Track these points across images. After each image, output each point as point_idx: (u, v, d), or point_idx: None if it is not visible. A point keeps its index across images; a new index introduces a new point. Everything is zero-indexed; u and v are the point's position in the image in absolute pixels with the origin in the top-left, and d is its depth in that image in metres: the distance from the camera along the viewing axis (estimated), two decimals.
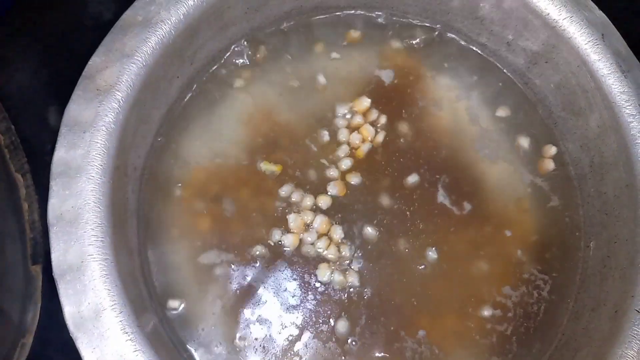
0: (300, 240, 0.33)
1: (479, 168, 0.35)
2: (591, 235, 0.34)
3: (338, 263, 0.32)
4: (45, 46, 0.46)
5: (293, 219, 0.33)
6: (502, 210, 0.35)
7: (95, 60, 0.29)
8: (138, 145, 0.32)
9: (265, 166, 0.34)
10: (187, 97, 0.35)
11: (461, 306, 0.33)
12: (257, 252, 0.32)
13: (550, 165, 0.36)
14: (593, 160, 0.34)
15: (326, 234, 0.33)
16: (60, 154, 0.27)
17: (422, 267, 0.33)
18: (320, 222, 0.33)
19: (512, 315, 0.33)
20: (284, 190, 0.33)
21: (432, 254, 0.33)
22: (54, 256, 0.26)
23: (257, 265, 0.33)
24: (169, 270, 0.32)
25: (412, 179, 0.34)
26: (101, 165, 0.27)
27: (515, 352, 0.33)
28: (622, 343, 0.28)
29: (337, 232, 0.33)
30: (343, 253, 0.33)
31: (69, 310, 0.25)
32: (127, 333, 0.26)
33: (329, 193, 0.34)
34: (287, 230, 0.33)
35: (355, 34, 0.37)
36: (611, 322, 0.29)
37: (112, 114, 0.28)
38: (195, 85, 0.35)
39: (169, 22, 0.30)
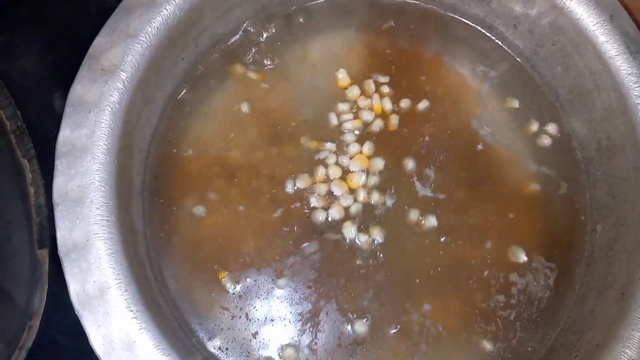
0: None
1: (486, 151, 0.35)
2: (598, 218, 0.34)
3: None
4: (50, 32, 0.46)
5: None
6: (508, 193, 0.34)
7: (99, 41, 0.29)
8: (143, 127, 0.32)
9: (305, 142, 0.34)
10: (192, 80, 0.35)
11: (466, 290, 0.33)
12: (277, 214, 0.32)
13: (546, 140, 0.35)
14: (600, 143, 0.34)
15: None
16: (66, 134, 0.27)
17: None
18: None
19: (517, 300, 0.33)
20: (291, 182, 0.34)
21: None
22: (59, 235, 0.26)
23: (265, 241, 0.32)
24: (174, 252, 0.32)
25: (409, 164, 0.34)
26: (106, 145, 0.27)
27: (521, 335, 0.32)
28: (629, 325, 0.28)
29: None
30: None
31: (74, 289, 0.25)
32: (132, 311, 0.26)
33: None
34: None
35: (358, 18, 0.37)
36: (618, 305, 0.29)
37: (117, 94, 0.28)
38: (200, 68, 0.35)
39: (173, 3, 0.30)
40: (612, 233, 0.32)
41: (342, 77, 0.36)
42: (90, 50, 0.28)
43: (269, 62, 0.36)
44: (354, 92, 0.35)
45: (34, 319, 0.39)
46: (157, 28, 0.29)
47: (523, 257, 0.33)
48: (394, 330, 0.31)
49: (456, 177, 0.34)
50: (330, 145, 0.34)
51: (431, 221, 0.33)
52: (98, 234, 0.26)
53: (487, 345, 0.32)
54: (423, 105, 0.36)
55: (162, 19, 0.29)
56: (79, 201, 0.26)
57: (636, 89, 0.31)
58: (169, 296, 0.32)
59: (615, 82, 0.32)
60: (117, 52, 0.28)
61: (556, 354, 0.32)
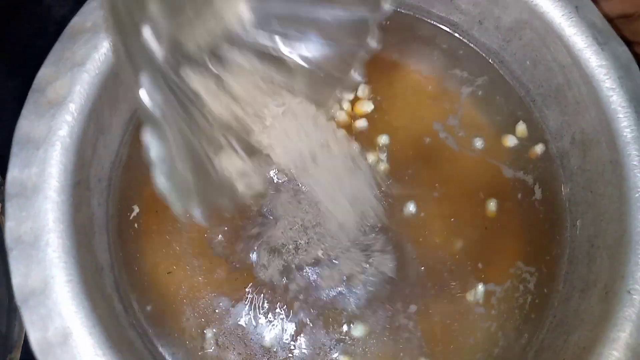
0: None
1: (454, 151, 0.34)
2: (577, 214, 0.33)
3: None
4: (11, 56, 0.44)
5: None
6: (481, 189, 0.34)
7: (44, 72, 0.27)
8: (100, 156, 0.30)
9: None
10: None
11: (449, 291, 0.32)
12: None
13: (519, 136, 0.35)
14: (574, 137, 0.33)
15: None
16: (14, 174, 0.26)
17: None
18: None
19: (503, 297, 0.32)
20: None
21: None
22: (15, 281, 0.25)
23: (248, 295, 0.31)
24: (147, 278, 0.31)
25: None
26: (59, 183, 0.26)
27: (507, 335, 0.32)
28: (614, 326, 0.27)
29: None
30: None
31: (34, 337, 0.24)
32: (98, 355, 0.25)
33: None
34: None
35: None
36: (602, 304, 0.29)
37: (67, 128, 0.27)
38: None
39: None
40: (592, 229, 0.32)
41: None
42: (34, 82, 0.27)
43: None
44: None
45: (15, 352, 0.38)
46: (105, 54, 0.28)
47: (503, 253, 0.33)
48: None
49: (422, 178, 0.33)
50: None
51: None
52: (56, 277, 0.25)
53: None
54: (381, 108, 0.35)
55: (110, 44, 0.28)
56: (33, 244, 0.25)
57: (606, 80, 0.30)
58: (141, 328, 0.31)
59: (586, 75, 0.31)
60: (64, 83, 0.27)
61: (544, 356, 0.31)
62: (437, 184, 0.34)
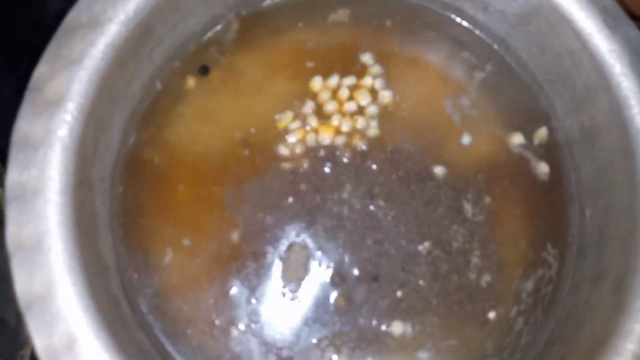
0: None
1: (463, 139, 0.34)
2: (586, 202, 0.33)
3: None
4: (8, 51, 0.44)
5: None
6: (487, 180, 0.33)
7: (40, 71, 0.26)
8: (102, 155, 0.30)
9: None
10: (152, 97, 0.33)
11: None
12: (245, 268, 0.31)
13: (526, 124, 0.34)
14: (583, 125, 0.32)
15: None
16: (13, 177, 0.25)
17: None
18: None
19: (512, 291, 0.32)
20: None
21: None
22: (18, 288, 0.24)
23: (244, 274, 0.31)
24: (155, 277, 0.31)
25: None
26: (60, 184, 0.26)
27: (515, 325, 0.31)
28: (628, 318, 0.27)
29: None
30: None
31: (40, 344, 0.24)
32: (105, 359, 0.24)
33: None
34: None
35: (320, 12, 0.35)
36: (614, 296, 0.28)
37: (66, 127, 0.26)
38: (158, 83, 0.33)
39: (118, 21, 0.28)
40: (602, 218, 0.31)
41: (317, 83, 0.34)
42: (31, 81, 0.26)
43: (231, 69, 0.34)
44: (326, 95, 0.34)
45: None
46: (103, 50, 0.27)
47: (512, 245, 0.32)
48: None
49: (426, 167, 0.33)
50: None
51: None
52: (60, 282, 0.24)
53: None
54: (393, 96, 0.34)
55: (107, 39, 0.27)
56: (36, 249, 0.25)
57: (617, 65, 0.30)
58: (149, 329, 0.30)
59: (595, 60, 0.30)
60: (61, 81, 0.26)
61: (555, 348, 0.31)
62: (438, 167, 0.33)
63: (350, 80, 0.34)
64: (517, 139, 0.34)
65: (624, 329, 0.27)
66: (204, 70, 0.33)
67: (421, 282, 0.31)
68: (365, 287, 0.31)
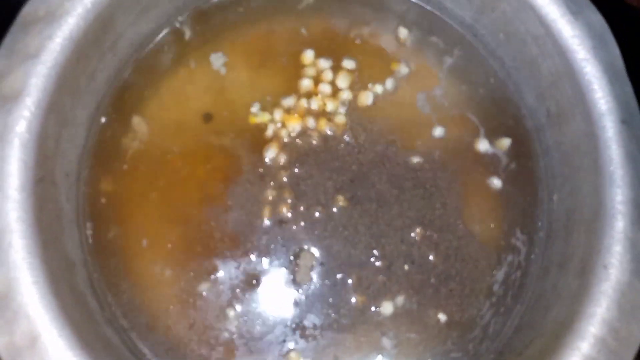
0: None
1: (431, 128, 0.34)
2: (554, 188, 0.33)
3: None
4: None
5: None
6: (457, 168, 0.33)
7: None
8: (65, 150, 0.29)
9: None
10: (117, 90, 0.33)
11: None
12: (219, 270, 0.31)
13: (494, 110, 0.34)
14: (549, 110, 0.33)
15: None
16: None
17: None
18: None
19: (484, 275, 0.32)
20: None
21: None
22: None
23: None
24: (124, 272, 0.31)
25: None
26: (19, 180, 0.25)
27: (485, 312, 0.32)
28: (591, 301, 0.27)
29: None
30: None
31: (1, 342, 0.24)
32: (68, 356, 0.24)
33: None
34: None
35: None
36: (579, 279, 0.28)
37: (24, 123, 0.26)
38: (123, 77, 0.33)
39: (75, 14, 0.27)
40: (569, 203, 0.31)
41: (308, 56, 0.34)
42: None
43: (199, 60, 0.34)
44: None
45: None
46: (61, 44, 0.27)
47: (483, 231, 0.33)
48: None
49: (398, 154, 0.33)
50: None
51: None
52: (20, 279, 0.24)
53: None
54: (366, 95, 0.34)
55: (65, 33, 0.27)
56: None
57: (580, 51, 0.30)
58: (118, 324, 0.30)
59: (559, 46, 0.30)
60: (18, 76, 0.26)
61: (523, 333, 0.31)
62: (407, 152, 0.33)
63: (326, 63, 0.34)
64: (484, 125, 0.34)
65: (587, 312, 0.27)
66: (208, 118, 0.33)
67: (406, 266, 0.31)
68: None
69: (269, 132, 0.33)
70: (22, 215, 0.25)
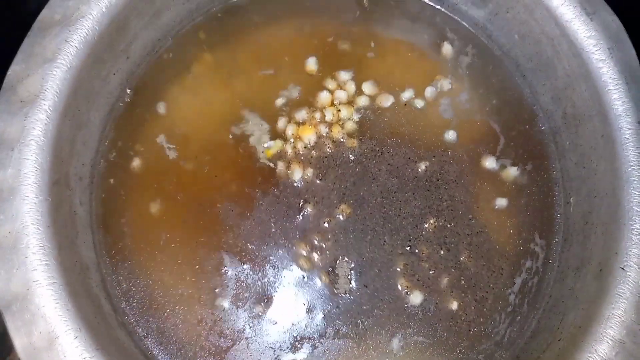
0: None
1: (446, 130, 0.33)
2: (570, 190, 0.33)
3: None
4: None
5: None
6: (472, 168, 0.33)
7: (14, 69, 0.26)
8: (79, 153, 0.30)
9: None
10: (130, 93, 0.33)
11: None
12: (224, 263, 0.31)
13: (510, 112, 0.34)
14: (565, 112, 0.32)
15: None
16: None
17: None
18: None
19: (500, 281, 0.32)
20: None
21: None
22: None
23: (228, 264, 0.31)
24: (136, 276, 0.31)
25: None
26: (36, 183, 0.25)
27: (503, 318, 0.31)
28: (609, 304, 0.27)
29: None
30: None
31: (19, 343, 0.24)
32: (85, 358, 0.24)
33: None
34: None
35: (301, 5, 0.35)
36: (597, 282, 0.28)
37: (41, 126, 0.26)
38: (136, 79, 0.33)
39: (91, 17, 0.27)
40: (586, 206, 0.31)
41: (312, 64, 0.34)
42: (5, 81, 0.26)
43: (211, 63, 0.34)
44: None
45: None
46: (77, 47, 0.27)
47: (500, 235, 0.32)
48: None
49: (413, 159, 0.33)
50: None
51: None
52: (38, 280, 0.24)
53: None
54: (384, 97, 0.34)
55: (81, 36, 0.27)
56: (13, 248, 0.24)
57: (596, 52, 0.30)
58: (130, 327, 0.30)
59: (575, 47, 0.30)
60: (35, 80, 0.26)
61: (540, 337, 0.31)
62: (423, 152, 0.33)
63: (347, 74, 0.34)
64: (501, 129, 0.34)
65: (604, 314, 0.27)
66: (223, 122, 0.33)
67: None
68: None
69: (288, 151, 0.32)
70: (39, 218, 0.25)
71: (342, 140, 0.32)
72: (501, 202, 0.33)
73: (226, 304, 0.30)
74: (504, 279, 0.32)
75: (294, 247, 0.31)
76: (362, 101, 0.33)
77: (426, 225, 0.32)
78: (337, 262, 0.31)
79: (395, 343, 0.30)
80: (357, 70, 0.34)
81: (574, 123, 0.32)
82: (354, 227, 0.31)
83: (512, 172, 0.33)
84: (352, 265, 0.31)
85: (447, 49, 0.35)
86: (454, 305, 0.31)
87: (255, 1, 0.35)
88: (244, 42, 0.34)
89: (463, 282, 0.31)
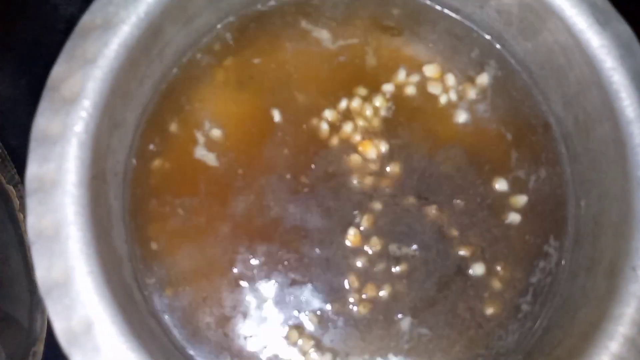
0: None
1: (460, 137, 0.35)
2: (581, 193, 0.34)
3: None
4: (20, 55, 0.45)
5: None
6: (486, 176, 0.34)
7: (57, 70, 0.28)
8: (115, 150, 0.31)
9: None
10: (161, 95, 0.35)
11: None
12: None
13: (523, 118, 0.35)
14: (577, 118, 0.34)
15: None
16: (33, 170, 0.27)
17: None
18: None
19: (515, 281, 0.33)
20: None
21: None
22: (39, 274, 0.26)
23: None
24: (165, 269, 0.32)
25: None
26: (76, 177, 0.27)
27: (515, 316, 0.32)
28: (619, 302, 0.28)
29: None
30: None
31: (59, 327, 0.25)
32: (121, 342, 0.26)
33: None
34: None
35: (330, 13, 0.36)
36: (607, 281, 0.29)
37: (82, 123, 0.28)
38: (168, 82, 0.35)
39: (130, 22, 0.29)
40: (596, 208, 0.32)
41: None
42: (48, 80, 0.28)
43: (238, 69, 0.35)
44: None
45: (38, 344, 0.39)
46: (116, 50, 0.29)
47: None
48: None
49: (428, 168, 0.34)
50: None
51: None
52: (77, 269, 0.26)
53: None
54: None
55: (120, 40, 0.29)
56: (54, 238, 0.26)
57: (608, 60, 0.31)
58: (158, 317, 0.32)
59: (587, 55, 0.31)
60: (77, 80, 0.28)
61: (552, 334, 0.32)
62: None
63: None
64: (515, 133, 0.35)
65: (616, 312, 0.28)
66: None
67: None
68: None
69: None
70: (79, 210, 0.27)
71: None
72: (514, 216, 0.34)
73: (255, 297, 0.31)
74: (519, 278, 0.33)
75: None
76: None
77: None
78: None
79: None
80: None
81: (586, 128, 0.33)
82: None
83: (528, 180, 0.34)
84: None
85: (462, 57, 0.36)
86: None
87: (285, 9, 0.36)
88: (275, 48, 0.36)
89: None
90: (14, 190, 0.41)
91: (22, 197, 0.40)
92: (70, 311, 0.25)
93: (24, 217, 0.37)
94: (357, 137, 0.34)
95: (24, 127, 0.41)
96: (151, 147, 0.34)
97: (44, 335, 0.40)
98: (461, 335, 0.32)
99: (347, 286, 0.32)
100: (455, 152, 0.35)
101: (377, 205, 0.33)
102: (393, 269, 0.33)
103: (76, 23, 0.29)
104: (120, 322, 0.26)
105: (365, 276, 0.32)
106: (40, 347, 0.40)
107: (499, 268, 0.33)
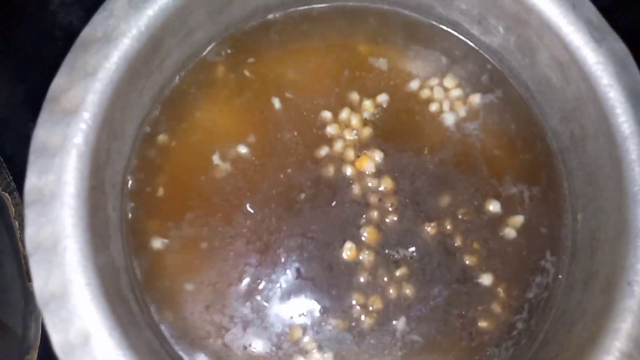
0: None
1: (460, 148, 0.35)
2: (578, 208, 0.34)
3: None
4: (18, 62, 0.45)
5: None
6: (483, 187, 0.34)
7: (58, 82, 0.28)
8: (114, 161, 0.31)
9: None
10: (160, 107, 0.35)
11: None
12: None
13: (519, 132, 0.35)
14: (573, 132, 0.34)
15: None
16: (32, 182, 0.27)
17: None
18: None
19: (512, 296, 0.33)
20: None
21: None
22: (36, 285, 0.26)
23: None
24: (161, 280, 0.32)
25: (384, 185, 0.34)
26: (75, 189, 0.27)
27: (511, 328, 0.32)
28: (616, 316, 0.28)
29: None
30: None
31: (56, 339, 0.25)
32: (118, 356, 0.26)
33: None
34: None
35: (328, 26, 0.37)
36: (604, 296, 0.29)
37: (81, 135, 0.28)
38: (167, 93, 0.35)
39: (130, 35, 0.29)
40: (593, 222, 0.32)
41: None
42: (49, 92, 0.28)
43: (237, 81, 0.36)
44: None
45: (32, 352, 0.39)
46: (116, 63, 0.29)
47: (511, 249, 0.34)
48: None
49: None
50: None
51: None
52: (74, 281, 0.26)
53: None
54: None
55: (120, 52, 0.29)
56: (52, 249, 0.26)
57: (604, 77, 0.31)
58: (156, 328, 0.31)
59: (583, 72, 0.32)
60: (77, 92, 0.28)
61: (548, 348, 0.32)
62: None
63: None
64: (510, 148, 0.35)
65: (612, 327, 0.28)
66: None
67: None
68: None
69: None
70: (77, 222, 0.27)
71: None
72: (511, 231, 0.34)
73: (256, 311, 0.31)
74: (517, 294, 0.33)
75: None
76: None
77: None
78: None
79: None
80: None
81: (582, 144, 0.33)
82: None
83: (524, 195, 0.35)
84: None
85: (458, 72, 0.37)
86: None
87: (286, 21, 0.36)
88: (274, 61, 0.36)
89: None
90: (9, 198, 0.40)
91: (17, 205, 0.39)
92: (67, 323, 0.25)
93: (19, 224, 0.38)
94: (353, 152, 0.34)
95: (21, 135, 0.41)
96: (149, 158, 0.34)
97: (37, 343, 0.39)
98: (454, 346, 0.32)
99: (353, 302, 0.32)
100: (450, 164, 0.35)
101: (375, 218, 0.34)
102: (393, 278, 0.33)
103: (74, 31, 0.29)
104: (117, 334, 0.26)
105: (365, 290, 0.32)
106: (34, 356, 0.39)
107: (497, 282, 0.33)
